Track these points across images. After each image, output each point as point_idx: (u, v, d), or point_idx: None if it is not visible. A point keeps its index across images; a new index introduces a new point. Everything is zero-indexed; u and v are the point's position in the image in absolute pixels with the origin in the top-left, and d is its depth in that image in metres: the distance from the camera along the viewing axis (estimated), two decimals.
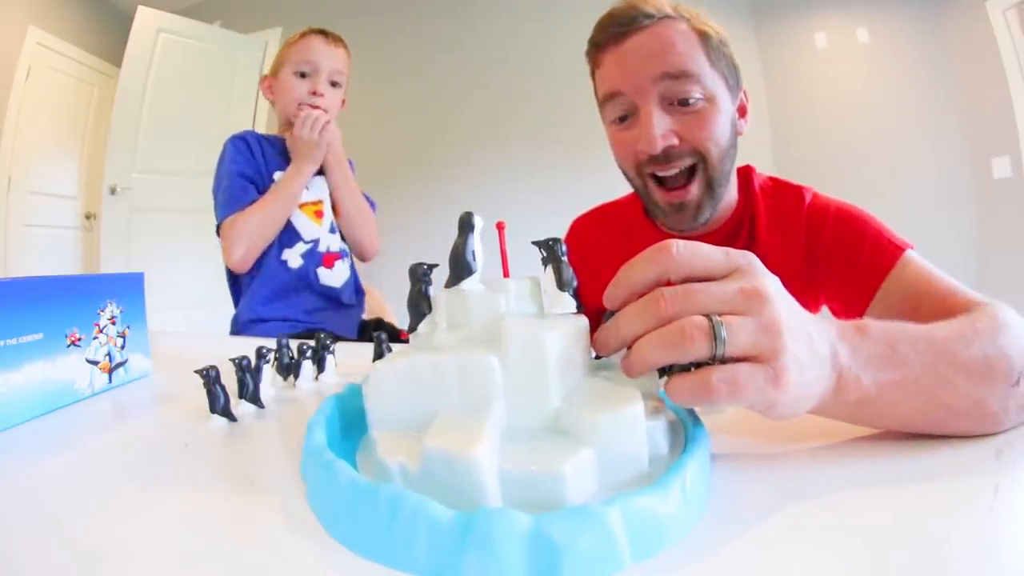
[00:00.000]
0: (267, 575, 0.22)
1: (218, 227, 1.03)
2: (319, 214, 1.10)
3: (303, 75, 1.09)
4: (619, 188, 0.87)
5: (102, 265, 2.79)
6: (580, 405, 0.28)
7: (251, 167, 1.06)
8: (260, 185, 1.06)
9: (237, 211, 1.00)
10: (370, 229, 1.16)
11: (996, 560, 0.23)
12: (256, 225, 1.00)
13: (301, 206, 1.07)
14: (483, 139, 2.86)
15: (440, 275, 0.34)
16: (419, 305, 0.33)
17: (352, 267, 1.14)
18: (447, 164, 2.86)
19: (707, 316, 0.28)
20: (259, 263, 1.04)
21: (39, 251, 3.02)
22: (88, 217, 3.27)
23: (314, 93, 1.09)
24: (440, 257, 0.39)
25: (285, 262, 1.05)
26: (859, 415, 0.33)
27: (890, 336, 0.33)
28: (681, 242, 0.30)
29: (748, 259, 0.30)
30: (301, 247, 1.06)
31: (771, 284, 0.30)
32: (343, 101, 1.17)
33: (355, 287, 1.15)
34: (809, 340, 0.29)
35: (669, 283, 0.30)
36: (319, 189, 1.11)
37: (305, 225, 1.07)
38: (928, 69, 2.49)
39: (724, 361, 0.27)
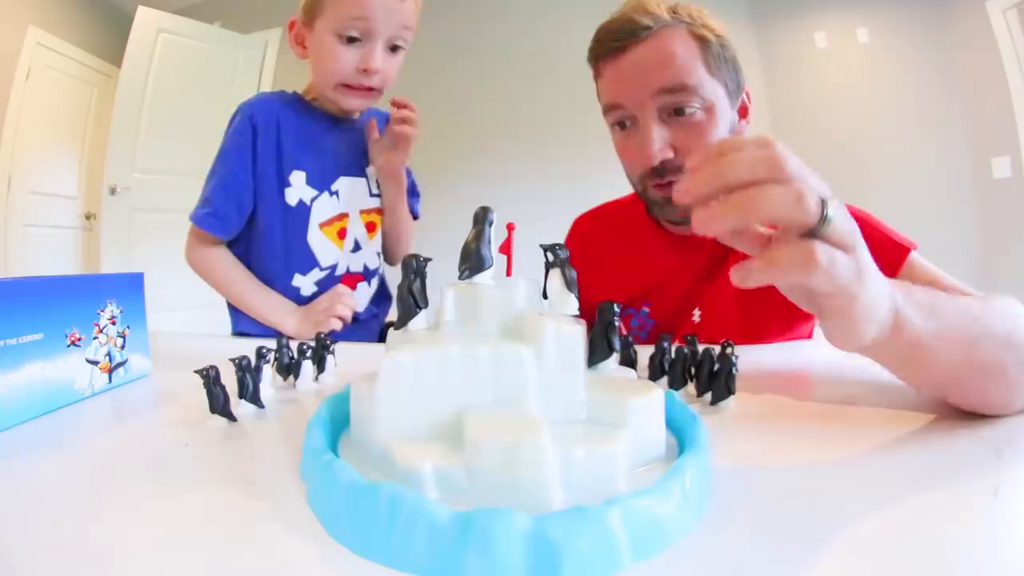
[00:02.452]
0: (267, 575, 0.22)
1: (193, 215, 0.86)
2: (342, 234, 0.88)
3: (350, 39, 0.76)
4: (622, 186, 0.87)
5: (102, 265, 2.79)
6: (607, 393, 0.29)
7: (244, 172, 0.83)
8: (264, 187, 0.84)
9: (209, 226, 0.84)
10: (410, 246, 0.97)
11: (996, 560, 0.23)
12: (214, 281, 0.87)
13: (322, 225, 0.86)
14: (487, 138, 2.87)
15: (432, 269, 0.34)
16: (413, 298, 0.32)
17: (381, 280, 0.96)
18: (450, 162, 2.86)
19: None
20: (264, 282, 0.87)
21: (39, 251, 3.02)
22: (88, 217, 3.27)
23: (365, 71, 0.77)
24: (441, 253, 0.38)
25: (297, 288, 0.86)
26: (909, 360, 0.37)
27: (928, 292, 0.37)
28: (785, 147, 0.30)
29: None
30: (316, 274, 0.87)
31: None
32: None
33: (378, 299, 0.96)
34: (869, 262, 0.32)
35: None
36: (347, 199, 0.87)
37: (324, 248, 0.86)
38: (928, 69, 2.49)
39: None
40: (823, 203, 0.28)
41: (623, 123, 0.67)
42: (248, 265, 0.88)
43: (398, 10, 0.76)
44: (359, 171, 0.89)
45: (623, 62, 0.64)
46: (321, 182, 0.86)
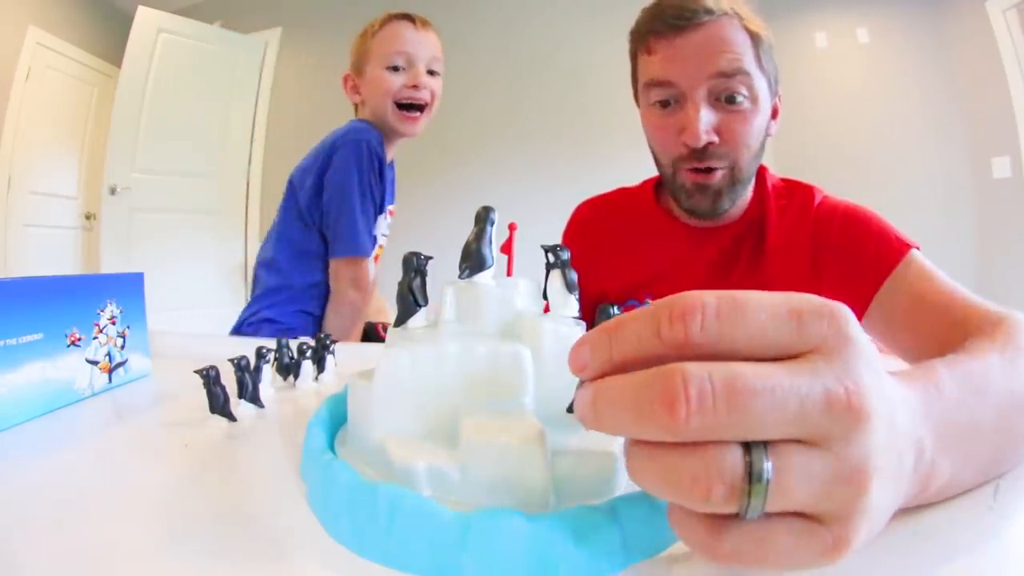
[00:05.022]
0: (267, 575, 0.22)
1: (342, 253, 0.96)
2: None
3: (396, 68, 0.99)
4: (627, 186, 0.86)
5: (102, 265, 2.79)
6: None
7: (374, 200, 0.98)
8: (374, 209, 0.99)
9: (367, 251, 0.97)
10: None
11: (996, 560, 0.23)
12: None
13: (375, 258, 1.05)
14: (489, 137, 2.87)
15: (432, 267, 0.33)
16: (414, 297, 0.32)
17: None
18: (453, 161, 2.87)
19: (745, 446, 0.17)
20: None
21: (39, 251, 3.02)
22: (88, 217, 3.27)
23: (414, 86, 0.99)
24: (442, 252, 0.38)
25: None
26: (920, 502, 0.25)
27: (964, 392, 0.26)
28: (716, 297, 0.18)
29: (836, 324, 0.18)
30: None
31: (867, 371, 0.18)
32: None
33: None
34: (899, 456, 0.20)
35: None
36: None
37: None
38: (928, 69, 2.49)
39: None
40: (749, 475, 0.17)
41: (666, 102, 0.67)
42: (324, 288, 1.01)
43: (428, 43, 1.01)
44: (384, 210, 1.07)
45: (680, 42, 0.64)
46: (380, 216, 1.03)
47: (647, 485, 0.19)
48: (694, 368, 0.17)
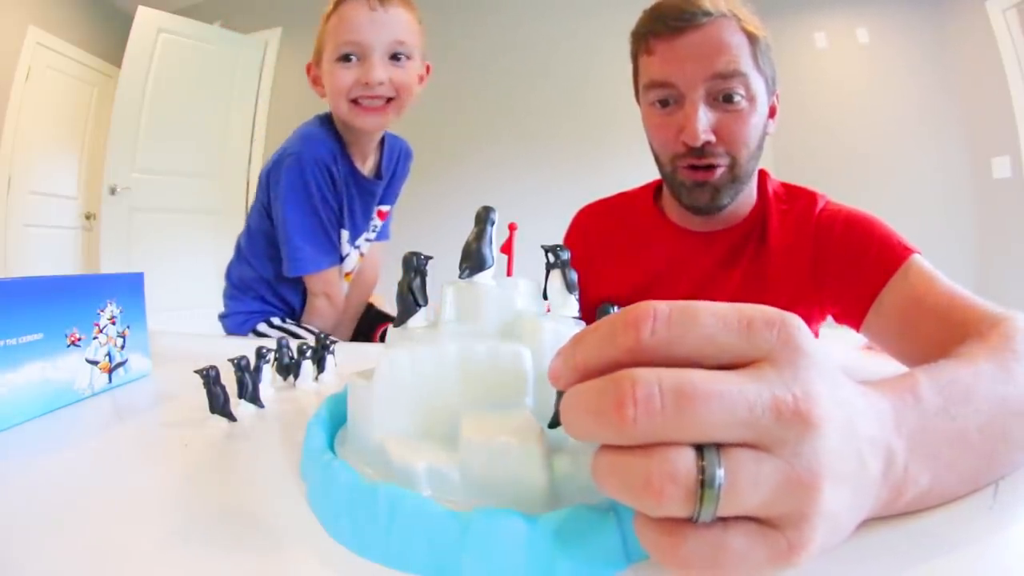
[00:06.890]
0: (267, 575, 0.22)
1: (300, 270, 0.89)
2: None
3: (347, 59, 0.82)
4: (626, 186, 0.87)
5: (102, 265, 2.79)
6: None
7: (333, 212, 0.89)
8: (333, 221, 0.91)
9: (328, 264, 0.91)
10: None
11: (996, 560, 0.23)
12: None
13: (346, 275, 1.01)
14: (490, 137, 2.87)
15: (432, 267, 0.33)
16: (414, 297, 0.32)
17: None
18: (453, 161, 2.87)
19: (699, 449, 0.18)
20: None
21: (39, 251, 3.02)
22: (88, 217, 3.27)
23: (366, 83, 0.81)
24: (442, 252, 0.38)
25: None
26: (899, 510, 0.25)
27: (946, 399, 0.25)
28: (670, 305, 0.19)
29: (785, 334, 0.19)
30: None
31: (819, 379, 0.19)
32: (427, 69, 0.89)
33: None
34: (859, 461, 0.20)
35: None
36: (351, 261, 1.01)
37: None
38: (928, 69, 2.49)
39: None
40: (701, 479, 0.17)
41: (665, 101, 0.68)
42: (288, 292, 0.96)
43: (386, 23, 0.81)
44: (370, 227, 1.01)
45: (680, 43, 0.65)
46: (354, 240, 0.97)
47: (607, 488, 0.19)
48: (644, 373, 0.18)
